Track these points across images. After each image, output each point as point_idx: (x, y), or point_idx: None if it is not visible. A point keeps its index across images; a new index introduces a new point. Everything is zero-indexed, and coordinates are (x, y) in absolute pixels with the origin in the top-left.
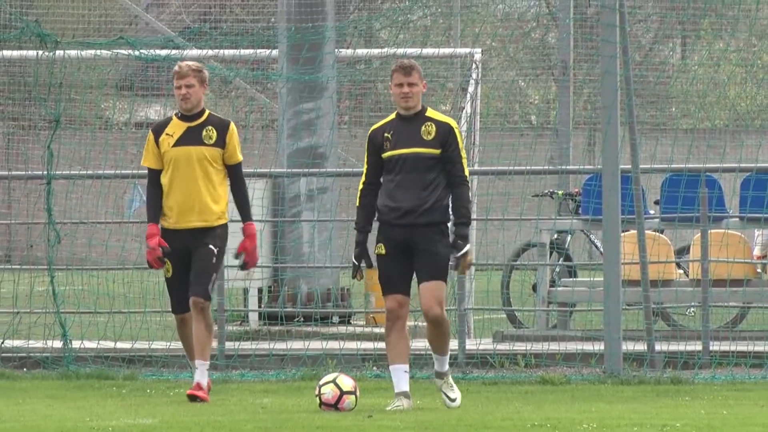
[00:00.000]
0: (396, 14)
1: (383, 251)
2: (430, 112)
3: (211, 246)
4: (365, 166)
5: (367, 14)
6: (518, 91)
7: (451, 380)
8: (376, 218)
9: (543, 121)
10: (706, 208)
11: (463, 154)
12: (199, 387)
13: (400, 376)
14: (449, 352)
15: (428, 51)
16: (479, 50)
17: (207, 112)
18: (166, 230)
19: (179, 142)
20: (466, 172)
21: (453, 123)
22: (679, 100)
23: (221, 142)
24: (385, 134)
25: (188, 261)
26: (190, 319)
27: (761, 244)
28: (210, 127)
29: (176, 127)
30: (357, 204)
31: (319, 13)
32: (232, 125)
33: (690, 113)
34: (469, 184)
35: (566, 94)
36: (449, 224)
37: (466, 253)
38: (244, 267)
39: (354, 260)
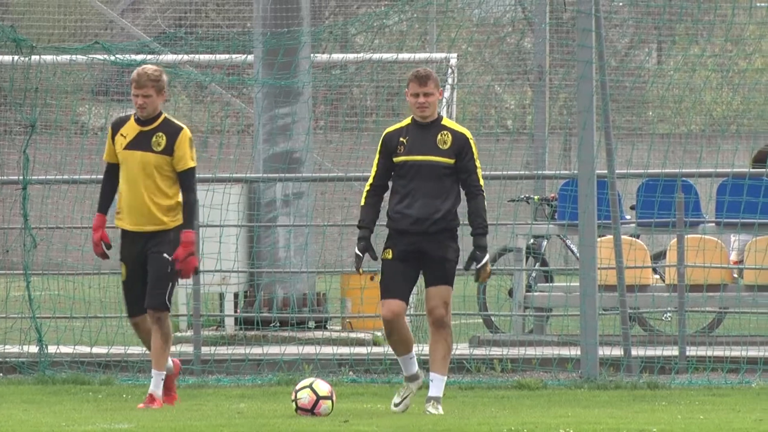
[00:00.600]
0: (371, 19)
1: (390, 256)
2: (446, 121)
3: (165, 255)
4: (374, 168)
5: (342, 19)
6: (494, 96)
7: (439, 406)
8: (386, 224)
9: (519, 126)
10: (682, 213)
11: (478, 164)
12: (151, 399)
13: (406, 362)
14: (446, 376)
15: (404, 56)
16: (455, 55)
17: (163, 116)
18: (123, 231)
19: (130, 146)
20: (482, 182)
21: (468, 134)
22: (655, 105)
23: (169, 150)
24: (401, 138)
25: (143, 265)
26: (143, 323)
27: (737, 249)
28: (160, 134)
29: (130, 129)
30: (362, 203)
31: (295, 18)
32: (184, 132)
33: (666, 118)
34: (484, 196)
35: (542, 99)
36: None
37: (485, 264)
38: (178, 275)
39: (358, 252)
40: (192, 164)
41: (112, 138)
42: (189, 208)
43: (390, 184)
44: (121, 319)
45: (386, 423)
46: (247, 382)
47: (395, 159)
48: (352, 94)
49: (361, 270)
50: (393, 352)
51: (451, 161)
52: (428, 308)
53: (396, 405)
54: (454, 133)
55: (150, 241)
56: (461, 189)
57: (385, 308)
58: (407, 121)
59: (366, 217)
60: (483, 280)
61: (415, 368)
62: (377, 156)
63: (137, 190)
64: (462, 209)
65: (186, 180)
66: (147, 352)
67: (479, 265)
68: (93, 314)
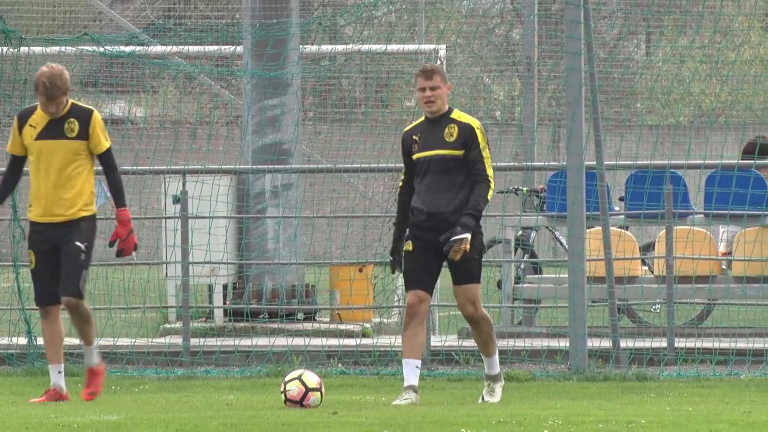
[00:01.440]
0: (360, 11)
1: (410, 248)
2: (456, 114)
3: (77, 243)
4: (403, 168)
5: (331, 11)
6: (483, 87)
7: (496, 387)
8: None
9: (508, 118)
10: (671, 204)
11: (486, 153)
12: (93, 373)
13: (411, 371)
14: (497, 354)
15: (393, 47)
16: (444, 46)
17: (70, 103)
18: (33, 223)
19: (41, 135)
20: (489, 172)
21: (475, 123)
22: (643, 97)
23: (84, 134)
24: (414, 137)
25: (53, 255)
26: (53, 312)
27: (726, 241)
28: (72, 119)
29: (39, 119)
30: (397, 198)
31: (284, 9)
32: (95, 114)
33: (655, 110)
34: (492, 184)
35: (531, 90)
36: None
37: (461, 240)
38: (120, 254)
39: (390, 255)
40: (108, 144)
41: (20, 129)
42: (118, 187)
43: None
44: (110, 310)
45: (375, 414)
46: (236, 373)
47: (413, 157)
48: (341, 85)
49: (398, 270)
50: (383, 345)
51: (460, 153)
52: (459, 307)
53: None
54: (459, 124)
55: (60, 230)
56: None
57: (410, 296)
58: (422, 118)
59: (398, 215)
60: (453, 254)
61: (416, 381)
62: (403, 157)
63: (48, 179)
64: None
65: (107, 160)
66: (136, 343)
67: (453, 238)
68: None
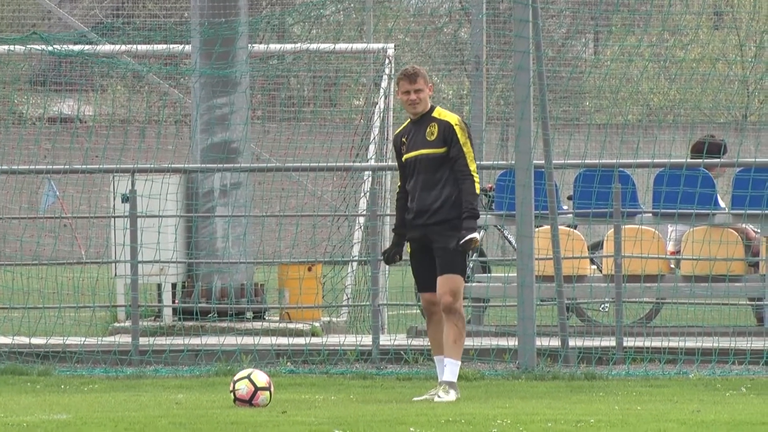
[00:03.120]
0: (309, 10)
1: (410, 250)
2: (437, 111)
3: None
4: (397, 163)
5: (279, 9)
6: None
7: (451, 392)
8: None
9: None
10: (619, 203)
11: (467, 149)
12: None
13: (440, 366)
14: (459, 361)
15: (341, 46)
16: (392, 45)
17: None
18: None
19: None
20: (472, 166)
21: (454, 119)
22: (592, 96)
23: None
24: (403, 139)
25: None
26: None
27: (674, 240)
28: None
29: None
30: (396, 200)
31: (232, 8)
32: None
33: (603, 108)
34: (476, 178)
35: (479, 89)
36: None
37: (469, 240)
38: None
39: (381, 254)
40: None
41: None
42: None
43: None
44: (60, 309)
45: (325, 414)
46: (186, 372)
47: (402, 158)
48: (290, 84)
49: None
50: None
51: (441, 150)
52: (437, 296)
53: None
54: (439, 122)
55: None
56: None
57: (422, 298)
58: (408, 120)
59: (396, 221)
60: (467, 248)
61: (443, 377)
62: (397, 161)
63: None
64: None
65: None
66: (86, 341)
67: (462, 241)
68: (32, 305)
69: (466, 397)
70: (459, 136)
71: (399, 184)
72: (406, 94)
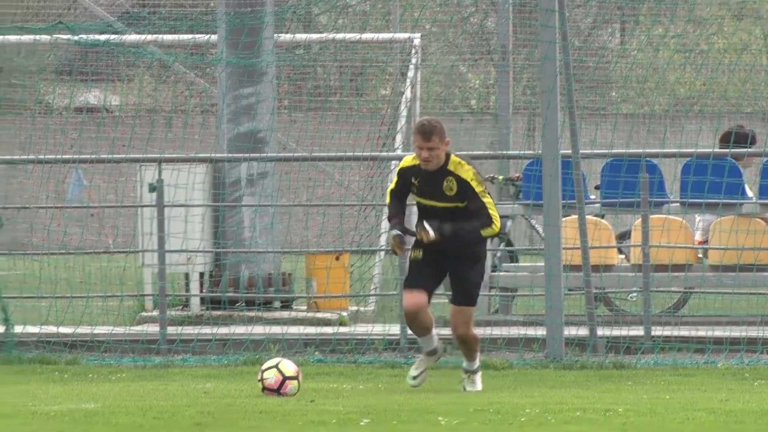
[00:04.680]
0: None
1: (419, 256)
2: (452, 164)
3: None
4: (394, 183)
5: None
6: (458, 76)
7: (476, 378)
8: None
9: (483, 106)
10: (647, 193)
11: (486, 198)
12: None
13: (426, 341)
14: (478, 360)
15: (367, 36)
16: (418, 35)
17: None
18: None
19: None
20: (494, 213)
21: (469, 175)
22: (618, 86)
23: None
24: (413, 180)
25: None
26: None
27: (702, 229)
28: None
29: None
30: (387, 202)
31: None
32: None
33: (630, 98)
34: (496, 222)
35: (506, 79)
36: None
37: (426, 230)
38: None
39: (395, 238)
40: None
41: None
42: None
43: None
44: (87, 299)
45: (353, 402)
46: (213, 362)
47: (412, 195)
48: (316, 73)
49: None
50: (360, 333)
51: (462, 204)
52: (452, 325)
53: (414, 378)
54: (457, 178)
55: None
56: None
57: (406, 299)
58: (417, 162)
59: (392, 211)
60: (421, 235)
61: (435, 344)
62: (396, 176)
63: None
64: None
65: None
66: (114, 331)
67: (427, 230)
68: (60, 294)
69: (495, 387)
70: (477, 189)
71: (393, 189)
72: (420, 150)
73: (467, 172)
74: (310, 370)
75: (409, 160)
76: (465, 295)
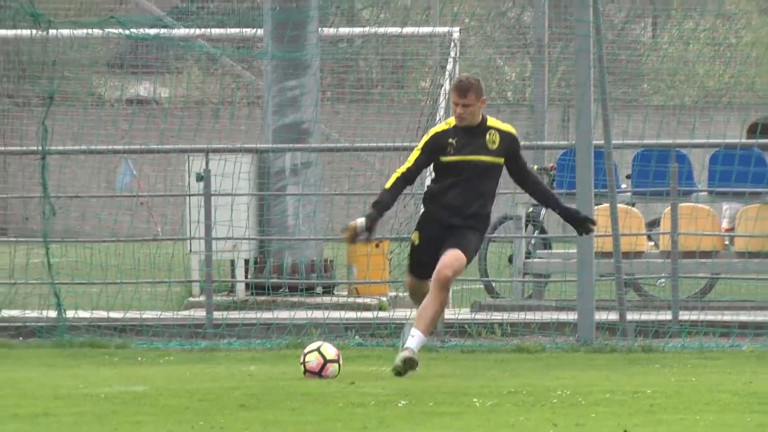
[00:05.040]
0: None
1: (417, 242)
2: (491, 122)
3: None
4: (412, 161)
5: None
6: (495, 68)
7: (412, 357)
8: (423, 209)
9: (519, 98)
10: (676, 182)
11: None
12: None
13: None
14: (427, 338)
15: (408, 30)
16: (457, 29)
17: None
18: None
19: None
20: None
21: (514, 132)
22: (650, 78)
23: None
24: (450, 140)
25: None
26: None
27: (728, 217)
28: None
29: None
30: (387, 186)
31: None
32: None
33: (660, 90)
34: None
35: (541, 71)
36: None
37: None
38: None
39: (363, 224)
40: None
41: None
42: None
43: (428, 178)
44: (137, 285)
45: (392, 385)
46: (258, 345)
47: (444, 159)
48: (359, 66)
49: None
50: (399, 317)
51: (500, 160)
52: (439, 267)
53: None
54: (501, 132)
55: None
56: (525, 185)
57: (411, 285)
58: (453, 122)
59: (384, 200)
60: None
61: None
62: (418, 152)
63: None
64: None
65: None
66: (162, 315)
67: (585, 219)
68: (110, 280)
69: (528, 368)
70: (520, 147)
71: (404, 171)
72: (456, 106)
73: (512, 129)
74: (351, 354)
75: (440, 126)
76: (461, 239)
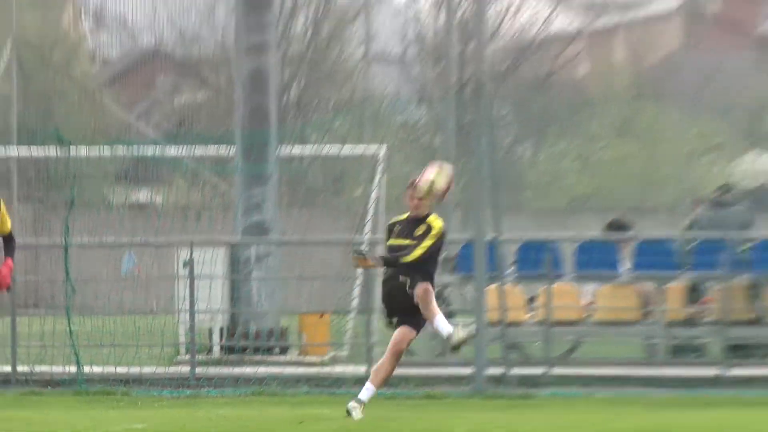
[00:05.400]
0: (322, 123)
1: (393, 323)
2: (432, 218)
3: None
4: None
5: (301, 122)
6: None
7: (359, 408)
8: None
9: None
10: (550, 267)
11: (426, 243)
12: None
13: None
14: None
15: (346, 150)
16: (384, 146)
17: None
18: None
19: None
20: (416, 253)
21: (437, 225)
22: (531, 187)
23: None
24: (396, 226)
25: None
26: None
27: (590, 294)
28: None
29: None
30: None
31: (265, 121)
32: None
33: (539, 197)
34: (411, 257)
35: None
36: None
37: (367, 262)
38: None
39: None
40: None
41: None
42: (15, 248)
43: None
44: (137, 346)
45: (334, 425)
46: (229, 393)
47: (388, 242)
48: (308, 178)
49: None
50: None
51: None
52: (396, 340)
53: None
54: (427, 225)
55: None
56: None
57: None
58: (409, 214)
59: (387, 261)
60: (356, 260)
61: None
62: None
63: None
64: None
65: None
66: (156, 370)
67: (367, 257)
68: (117, 343)
69: (434, 411)
70: (430, 235)
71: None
72: (411, 200)
73: (437, 224)
74: (301, 400)
75: (396, 218)
76: (412, 320)
